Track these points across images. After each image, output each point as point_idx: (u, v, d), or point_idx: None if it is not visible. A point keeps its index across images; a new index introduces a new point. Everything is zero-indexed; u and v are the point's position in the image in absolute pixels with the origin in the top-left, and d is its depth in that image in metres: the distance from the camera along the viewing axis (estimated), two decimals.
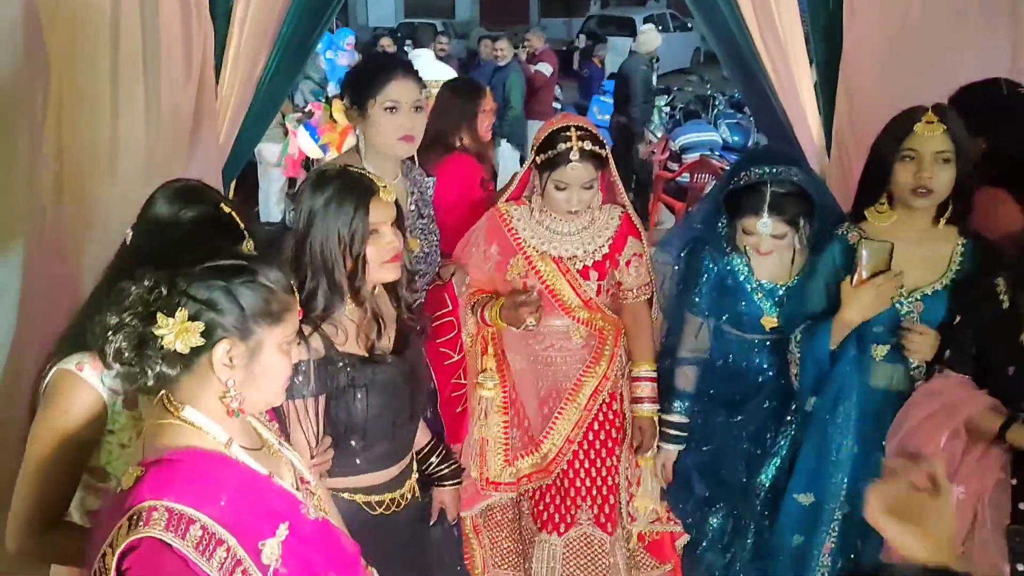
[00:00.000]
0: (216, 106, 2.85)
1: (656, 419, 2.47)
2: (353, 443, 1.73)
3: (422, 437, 2.13)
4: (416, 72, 2.39)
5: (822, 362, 2.14)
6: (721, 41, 3.09)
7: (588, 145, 2.26)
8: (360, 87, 2.31)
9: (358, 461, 1.85)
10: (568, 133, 2.27)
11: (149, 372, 1.25)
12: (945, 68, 2.51)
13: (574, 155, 2.24)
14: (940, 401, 1.94)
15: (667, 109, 8.49)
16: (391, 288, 1.91)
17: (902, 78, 2.55)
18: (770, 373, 2.35)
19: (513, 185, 2.53)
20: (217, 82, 2.85)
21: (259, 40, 2.78)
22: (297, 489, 1.44)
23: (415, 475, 2.05)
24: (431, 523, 2.17)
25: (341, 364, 1.79)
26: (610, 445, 2.52)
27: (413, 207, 2.46)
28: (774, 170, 2.17)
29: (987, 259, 2.05)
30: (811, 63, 2.91)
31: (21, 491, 1.54)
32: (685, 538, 2.56)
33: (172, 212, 1.62)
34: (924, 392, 2.00)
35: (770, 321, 2.31)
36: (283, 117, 5.95)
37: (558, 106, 9.22)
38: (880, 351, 2.14)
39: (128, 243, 1.63)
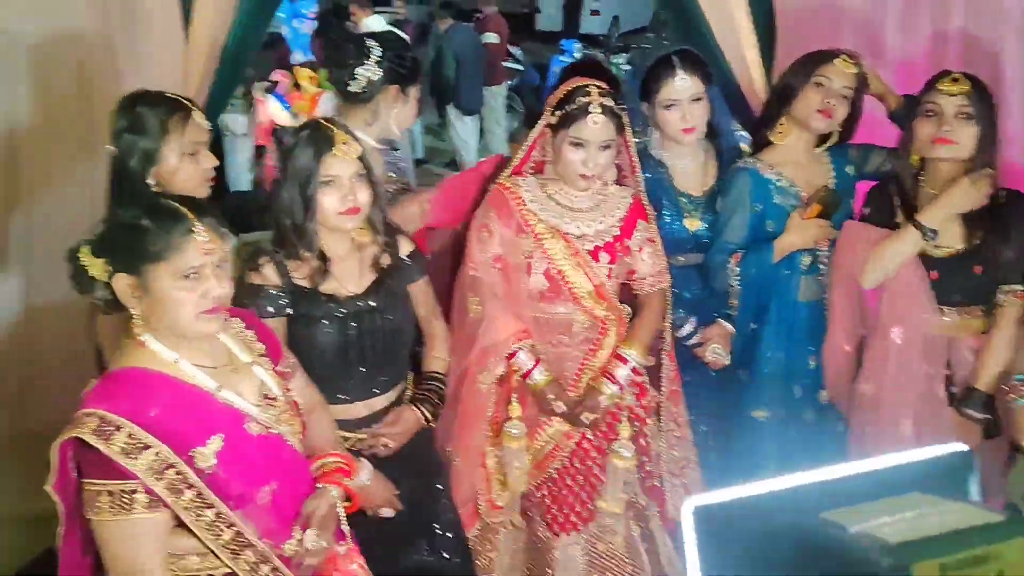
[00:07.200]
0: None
1: (607, 399, 2.31)
2: (312, 370, 1.87)
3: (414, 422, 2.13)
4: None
5: (765, 276, 2.45)
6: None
7: (609, 102, 2.23)
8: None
9: (325, 390, 1.92)
10: (588, 89, 2.24)
11: (94, 295, 1.52)
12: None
13: (594, 108, 2.20)
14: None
15: (627, 67, 8.63)
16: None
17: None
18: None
19: (518, 157, 2.40)
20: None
21: (222, 9, 2.84)
22: (257, 404, 1.59)
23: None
24: None
25: (291, 294, 1.95)
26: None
27: None
28: (675, 48, 2.53)
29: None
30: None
31: None
32: None
33: (129, 113, 1.93)
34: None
35: (694, 223, 2.54)
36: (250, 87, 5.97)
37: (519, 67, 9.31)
38: (806, 260, 2.53)
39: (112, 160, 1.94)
